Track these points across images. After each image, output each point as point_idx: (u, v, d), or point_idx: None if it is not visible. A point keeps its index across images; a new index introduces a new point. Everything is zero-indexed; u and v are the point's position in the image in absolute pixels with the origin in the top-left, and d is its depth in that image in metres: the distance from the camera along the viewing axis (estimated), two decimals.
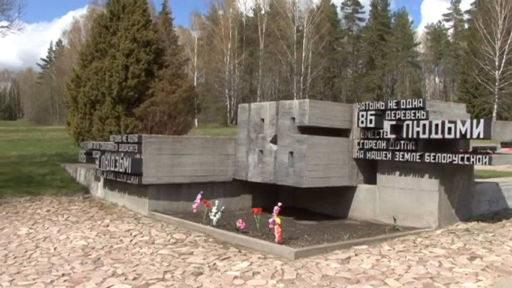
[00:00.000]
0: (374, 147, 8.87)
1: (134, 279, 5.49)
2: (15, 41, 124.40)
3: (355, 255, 6.52)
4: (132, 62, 21.55)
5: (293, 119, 8.78)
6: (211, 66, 69.59)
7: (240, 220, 7.67)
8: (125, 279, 5.49)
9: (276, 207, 7.11)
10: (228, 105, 66.39)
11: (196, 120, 45.03)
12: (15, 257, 6.44)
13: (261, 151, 9.36)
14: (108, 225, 8.44)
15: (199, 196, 8.71)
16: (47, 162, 15.07)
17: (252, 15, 76.93)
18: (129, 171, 9.30)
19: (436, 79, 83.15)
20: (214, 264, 6.10)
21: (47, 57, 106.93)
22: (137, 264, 6.07)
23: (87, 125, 21.66)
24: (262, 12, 72.29)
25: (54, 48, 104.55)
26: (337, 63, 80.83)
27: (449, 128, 7.58)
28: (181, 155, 9.56)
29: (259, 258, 6.39)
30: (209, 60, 70.39)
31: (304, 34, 65.95)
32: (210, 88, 68.20)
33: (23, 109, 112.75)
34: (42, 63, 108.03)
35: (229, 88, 67.12)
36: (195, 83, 55.47)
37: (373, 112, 8.73)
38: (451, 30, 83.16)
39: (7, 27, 16.24)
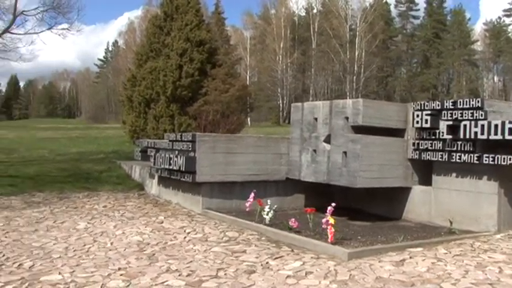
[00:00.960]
0: (430, 148, 8.67)
1: (188, 275, 5.57)
2: (74, 42, 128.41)
3: (410, 257, 6.41)
4: (185, 61, 21.86)
5: (346, 118, 8.70)
6: (263, 65, 69.78)
7: (293, 219, 7.66)
8: (179, 275, 5.58)
9: (329, 208, 7.07)
10: (281, 105, 66.36)
11: (249, 119, 45.26)
12: (74, 250, 6.65)
13: (314, 150, 9.32)
14: (162, 222, 8.59)
15: (252, 195, 8.76)
16: (103, 159, 15.48)
17: (304, 14, 76.64)
18: (183, 169, 9.43)
19: (495, 78, 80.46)
20: (267, 263, 6.12)
21: (103, 57, 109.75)
22: (191, 261, 6.15)
23: (142, 123, 22.12)
24: (315, 11, 71.91)
25: (110, 49, 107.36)
26: (390, 62, 79.46)
27: (510, 129, 7.33)
28: (235, 154, 9.63)
29: (312, 258, 6.37)
30: (261, 60, 70.63)
31: (357, 33, 65.20)
32: (262, 87, 68.32)
33: (81, 108, 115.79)
34: (99, 63, 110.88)
35: (281, 87, 67.09)
36: (247, 82, 55.68)
37: (429, 112, 8.55)
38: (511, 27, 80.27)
39: (67, 29, 16.78)
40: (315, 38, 69.07)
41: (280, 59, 67.09)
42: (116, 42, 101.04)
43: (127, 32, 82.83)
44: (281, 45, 66.76)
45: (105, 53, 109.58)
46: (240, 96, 22.83)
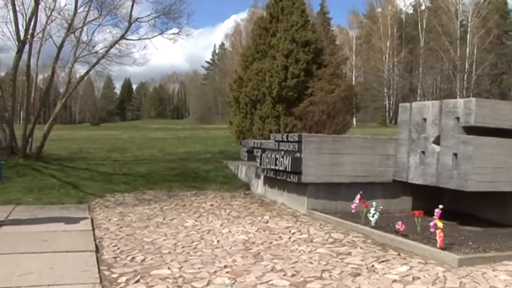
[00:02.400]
0: None
1: (292, 275, 5.55)
2: (183, 46, 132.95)
3: None
4: (291, 62, 21.92)
5: (457, 118, 8.29)
6: (369, 65, 68.60)
7: (400, 222, 7.42)
8: (284, 275, 5.57)
9: (437, 210, 6.78)
10: (387, 105, 64.90)
11: (354, 119, 44.69)
12: (182, 247, 6.84)
13: (423, 152, 8.98)
14: (267, 222, 8.64)
15: (358, 196, 8.60)
16: (210, 159, 15.85)
17: (411, 11, 74.40)
18: (289, 170, 9.44)
19: None
20: (373, 266, 5.97)
21: (210, 59, 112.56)
22: (295, 262, 6.13)
23: (248, 124, 22.44)
24: (423, 7, 69.52)
25: (217, 51, 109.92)
26: (505, 58, 74.96)
27: None
28: (341, 155, 9.50)
29: (419, 263, 6.13)
30: (367, 59, 69.44)
31: (469, 29, 62.12)
32: (368, 87, 67.18)
33: (188, 109, 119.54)
34: (206, 66, 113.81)
35: (388, 87, 65.62)
36: (353, 82, 55.01)
37: None
38: None
39: (177, 33, 17.32)
40: (423, 36, 66.79)
41: (387, 58, 65.62)
42: (222, 45, 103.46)
43: (233, 35, 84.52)
44: (388, 44, 65.31)
45: (212, 55, 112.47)
46: (345, 97, 22.58)
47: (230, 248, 6.78)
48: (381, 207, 8.17)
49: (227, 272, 5.63)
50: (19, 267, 5.74)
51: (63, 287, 5.10)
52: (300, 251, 6.66)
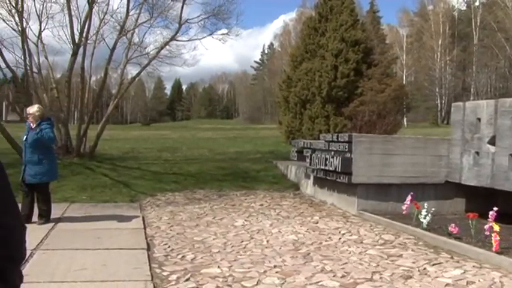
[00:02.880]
0: None
1: (342, 276, 5.51)
2: (232, 46, 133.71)
3: None
4: (341, 61, 21.75)
5: None
6: (420, 64, 67.30)
7: (453, 225, 7.25)
8: (333, 276, 5.54)
9: (491, 213, 6.61)
10: (439, 104, 63.54)
11: (405, 119, 43.88)
12: (232, 246, 6.89)
13: (477, 153, 8.75)
14: (317, 222, 8.61)
15: (409, 197, 8.47)
16: (260, 159, 15.89)
17: (464, 8, 72.58)
18: (339, 170, 9.38)
19: None
20: (425, 268, 5.86)
21: (259, 59, 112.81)
22: (345, 263, 6.08)
23: (297, 124, 22.40)
24: (477, 3, 67.66)
25: (266, 51, 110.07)
26: None
27: None
28: (392, 155, 9.37)
29: (473, 266, 5.98)
30: (418, 58, 68.14)
31: None
32: (419, 87, 65.91)
33: (238, 109, 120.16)
34: (255, 66, 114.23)
35: (440, 86, 64.21)
36: (404, 82, 54.08)
37: None
38: None
39: (227, 34, 17.47)
40: (477, 33, 64.94)
41: (439, 56, 64.22)
42: (271, 45, 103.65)
43: (282, 35, 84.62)
44: (439, 43, 63.90)
45: (261, 55, 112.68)
46: (396, 96, 22.21)
47: (280, 248, 6.78)
48: (433, 208, 7.99)
49: (276, 272, 5.64)
50: (74, 263, 5.91)
51: (116, 284, 5.22)
52: (350, 252, 6.60)
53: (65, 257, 6.20)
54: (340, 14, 22.88)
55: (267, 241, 7.23)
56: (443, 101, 63.09)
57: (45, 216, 8.14)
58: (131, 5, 16.03)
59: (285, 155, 15.34)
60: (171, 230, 7.88)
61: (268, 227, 8.22)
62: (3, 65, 14.34)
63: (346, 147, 9.34)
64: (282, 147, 19.34)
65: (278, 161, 14.85)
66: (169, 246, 6.85)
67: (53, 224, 8.13)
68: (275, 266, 5.89)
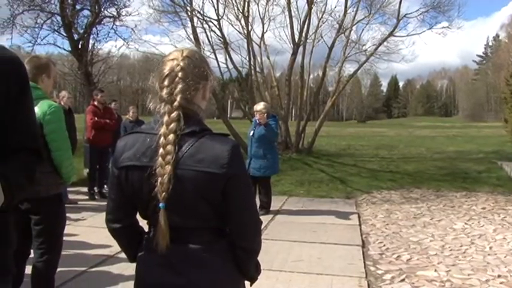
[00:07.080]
0: None
1: None
2: (454, 40, 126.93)
3: None
4: None
5: None
6: None
7: None
8: None
9: None
10: None
11: None
12: (451, 250, 6.56)
13: None
14: None
15: None
16: (482, 159, 14.92)
17: None
18: None
19: None
20: None
21: (482, 53, 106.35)
22: None
23: None
24: None
25: (490, 44, 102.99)
26: None
27: None
28: None
29: None
30: None
31: None
32: None
33: (457, 106, 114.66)
34: (477, 60, 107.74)
35: None
36: None
37: None
38: None
39: (447, 27, 16.61)
40: None
41: None
42: (497, 36, 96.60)
43: (510, 24, 78.20)
44: None
45: (485, 48, 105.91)
46: None
47: (505, 257, 6.26)
48: None
49: (501, 283, 5.23)
50: (291, 254, 6.17)
51: (331, 278, 5.31)
52: None
53: (283, 247, 6.49)
54: None
55: (490, 248, 6.73)
56: None
57: (265, 208, 8.60)
58: (349, 3, 16.14)
59: (510, 155, 14.19)
60: (386, 229, 7.78)
61: (491, 232, 7.65)
62: (231, 66, 15.46)
63: None
64: (508, 148, 17.87)
65: (503, 162, 13.78)
66: (384, 245, 6.77)
67: (272, 215, 8.56)
68: (499, 276, 5.46)
